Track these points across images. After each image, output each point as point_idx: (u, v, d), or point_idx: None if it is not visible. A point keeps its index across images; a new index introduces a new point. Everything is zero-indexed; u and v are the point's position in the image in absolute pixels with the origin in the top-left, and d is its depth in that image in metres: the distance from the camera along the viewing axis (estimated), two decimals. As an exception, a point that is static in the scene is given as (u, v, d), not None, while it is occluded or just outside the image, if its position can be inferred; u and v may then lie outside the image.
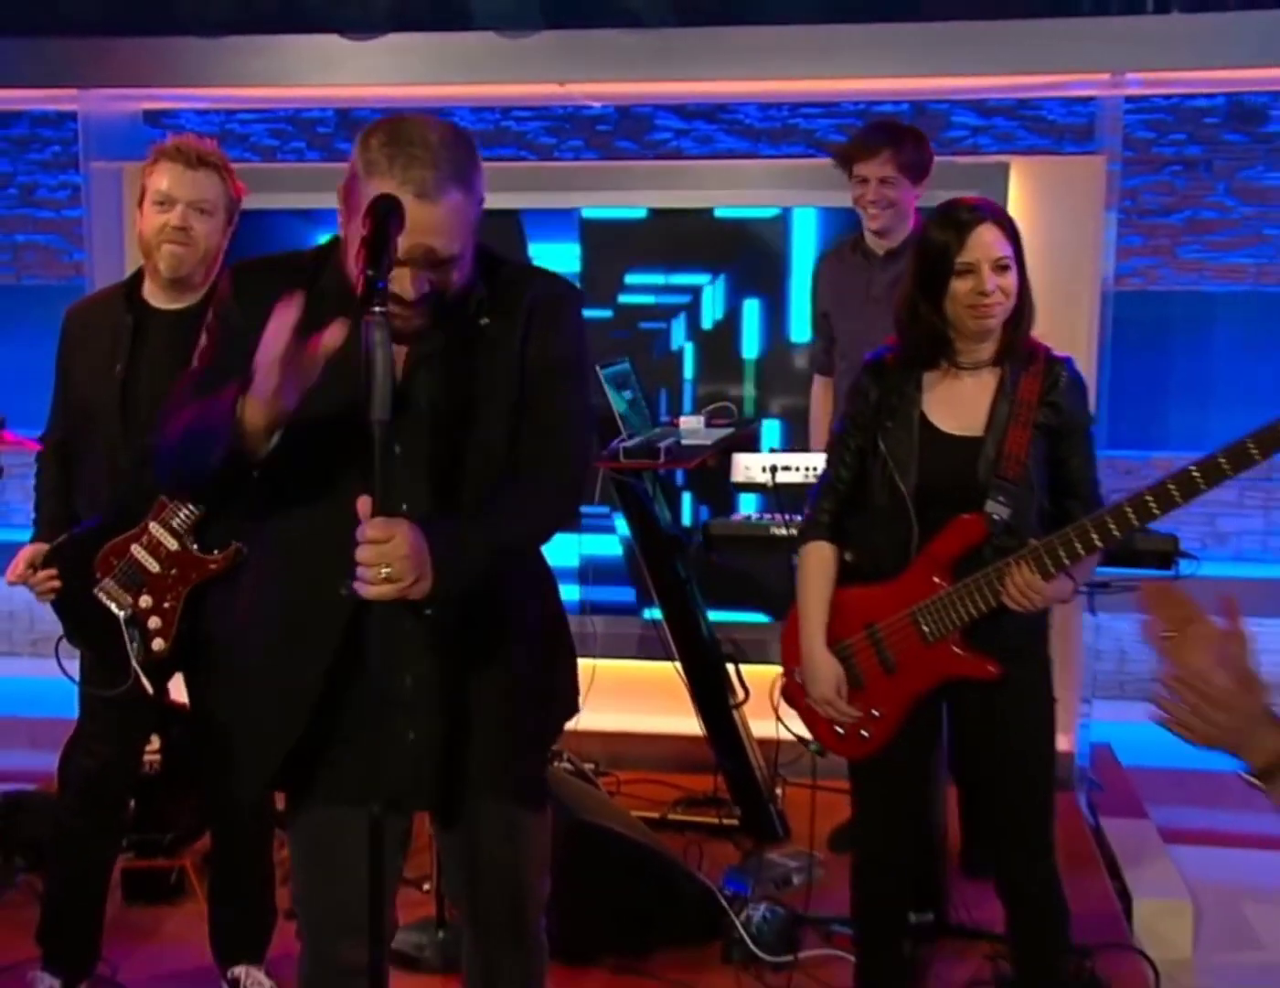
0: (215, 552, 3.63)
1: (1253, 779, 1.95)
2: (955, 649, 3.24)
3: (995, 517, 3.16)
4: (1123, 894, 4.62)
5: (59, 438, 3.82)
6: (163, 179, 3.60)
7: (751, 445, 5.15)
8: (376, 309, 2.26)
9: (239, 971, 3.96)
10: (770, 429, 5.90)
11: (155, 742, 4.40)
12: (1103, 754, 5.85)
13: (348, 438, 2.36)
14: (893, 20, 5.25)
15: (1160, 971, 4.07)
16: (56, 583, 3.70)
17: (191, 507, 3.58)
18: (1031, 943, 3.49)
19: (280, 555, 2.70)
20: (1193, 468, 3.02)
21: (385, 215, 2.36)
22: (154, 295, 3.71)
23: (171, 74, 5.54)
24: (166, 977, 4.17)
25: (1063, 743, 4.96)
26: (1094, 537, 3.10)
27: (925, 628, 3.22)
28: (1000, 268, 3.16)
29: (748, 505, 5.61)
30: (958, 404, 3.25)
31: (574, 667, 2.94)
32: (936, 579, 3.21)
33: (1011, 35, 5.22)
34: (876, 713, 3.32)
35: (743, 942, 4.15)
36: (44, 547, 3.73)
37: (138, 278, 3.74)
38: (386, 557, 2.27)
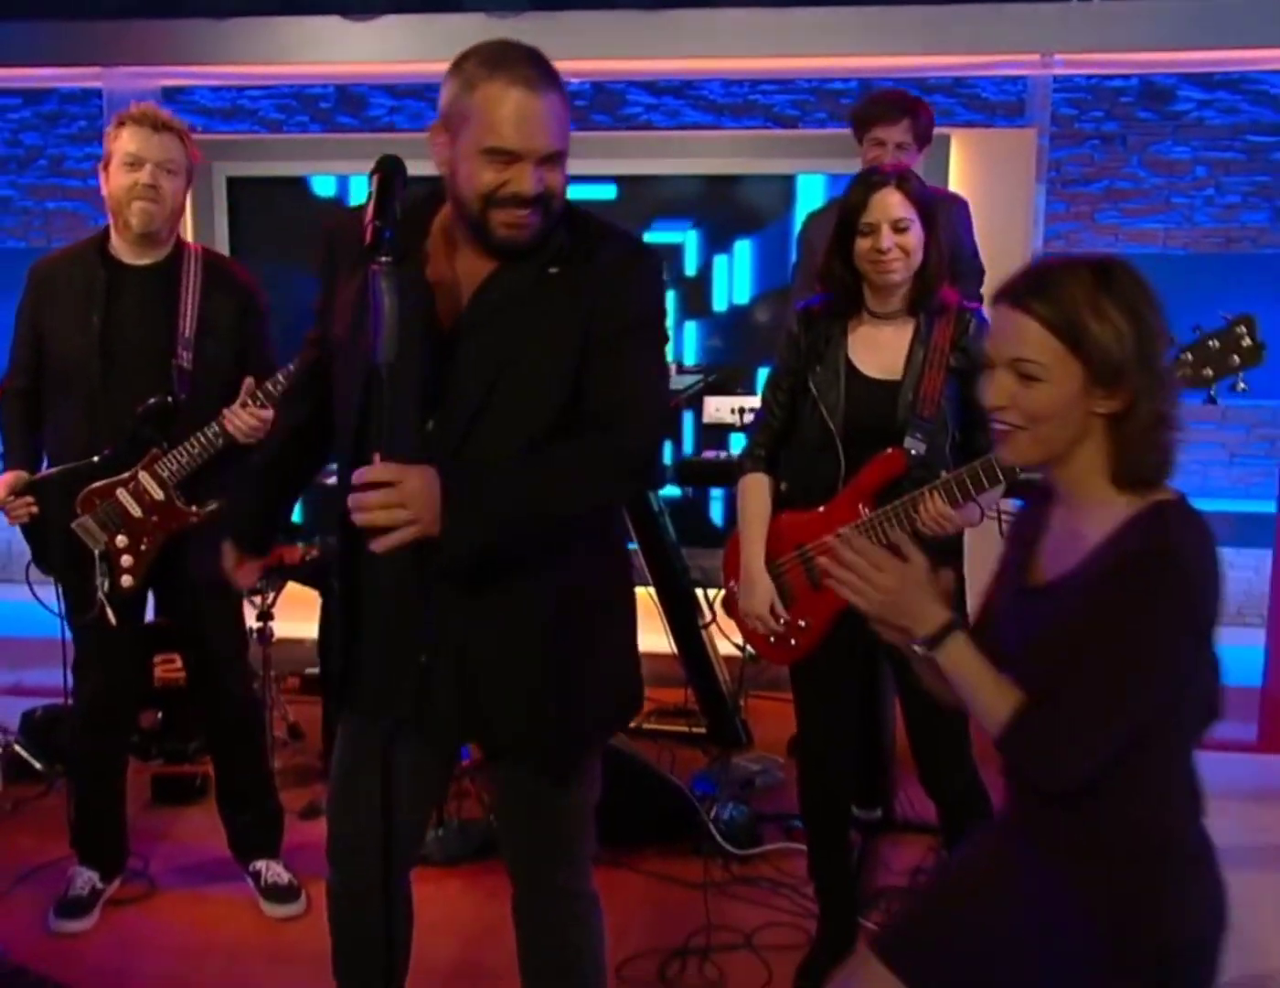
0: (195, 507, 3.61)
1: (920, 649, 1.99)
2: None
3: (913, 452, 3.20)
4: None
5: (22, 384, 3.72)
6: (131, 142, 3.53)
7: (722, 390, 5.13)
8: (383, 259, 2.18)
9: (259, 864, 3.96)
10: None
11: (179, 660, 4.38)
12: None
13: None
14: (842, 5, 5.19)
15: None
16: (34, 509, 3.64)
17: (181, 461, 3.55)
18: (959, 838, 3.49)
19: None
20: None
21: (392, 170, 2.30)
22: (123, 252, 3.64)
23: (187, 53, 5.47)
24: (193, 869, 4.15)
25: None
26: (997, 470, 3.11)
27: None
28: (899, 229, 3.18)
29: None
30: (879, 350, 3.27)
31: (631, 658, 2.66)
32: (861, 507, 3.23)
33: (950, 19, 5.17)
34: (803, 623, 3.34)
35: (712, 837, 4.18)
36: (24, 475, 3.67)
37: (105, 235, 3.65)
38: (394, 499, 2.13)
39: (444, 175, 2.37)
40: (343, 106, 6.81)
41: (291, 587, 4.93)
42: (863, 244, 3.19)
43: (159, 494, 3.60)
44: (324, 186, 5.95)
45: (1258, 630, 6.19)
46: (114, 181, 3.57)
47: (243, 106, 6.87)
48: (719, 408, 4.51)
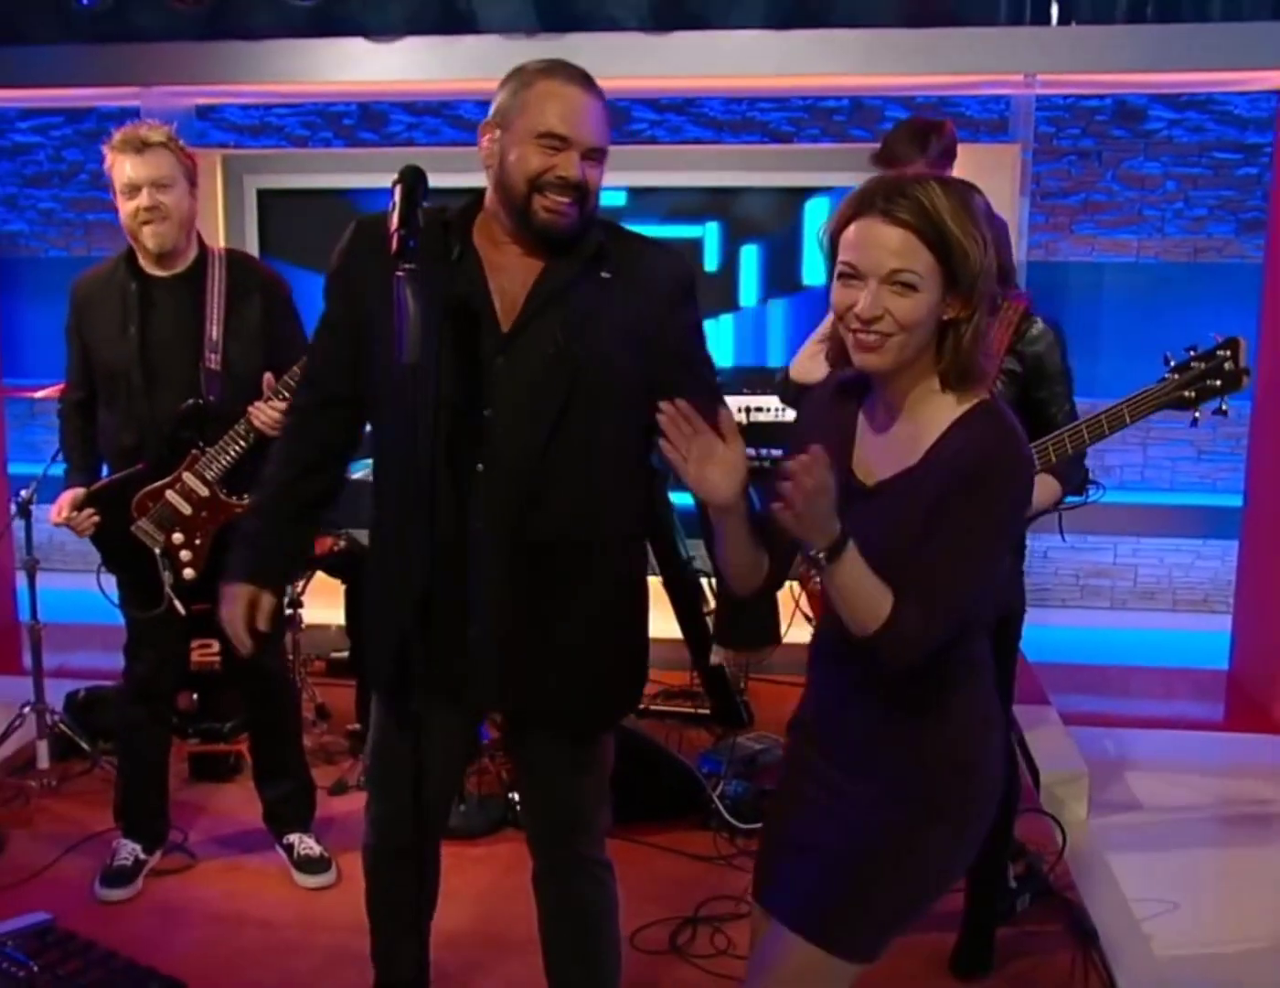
0: (240, 498, 3.61)
1: (819, 556, 1.95)
2: None
3: None
4: (1032, 768, 4.62)
5: (79, 396, 3.73)
6: (123, 170, 3.49)
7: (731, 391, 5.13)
8: (406, 266, 2.21)
9: (292, 837, 3.95)
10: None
11: (215, 645, 4.36)
12: (1012, 651, 5.82)
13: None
14: (835, 28, 5.17)
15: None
16: (96, 519, 3.65)
17: (220, 459, 3.57)
18: None
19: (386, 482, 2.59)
20: (1083, 425, 3.12)
21: (415, 180, 2.32)
22: (149, 266, 3.61)
23: (220, 73, 5.44)
24: (229, 842, 4.15)
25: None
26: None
27: None
28: None
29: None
30: None
31: (646, 636, 2.70)
32: None
33: (939, 41, 5.14)
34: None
35: (718, 812, 4.17)
36: (82, 491, 3.68)
37: (132, 252, 3.61)
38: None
39: (489, 169, 2.44)
40: (364, 123, 6.78)
41: (319, 575, 4.92)
42: None
43: (205, 491, 3.60)
44: (352, 196, 5.93)
45: (1224, 617, 6.20)
46: (121, 210, 3.54)
47: (270, 123, 6.84)
48: (736, 411, 4.53)
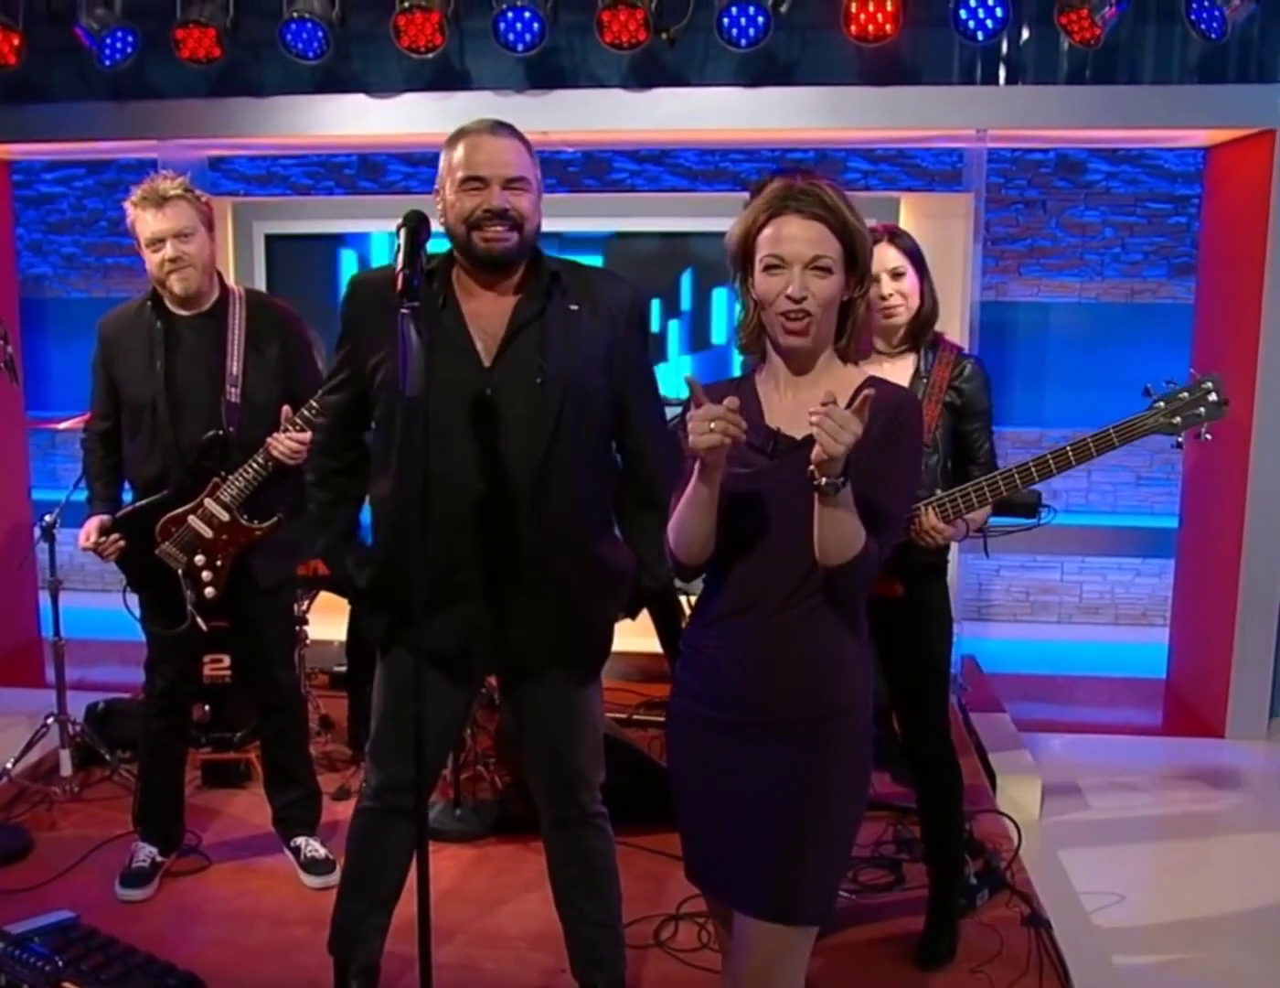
0: (259, 522, 3.61)
1: (834, 483, 2.07)
2: None
3: None
4: (988, 772, 4.62)
5: (104, 427, 3.70)
6: (146, 224, 3.48)
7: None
8: (411, 304, 2.27)
9: (299, 840, 3.92)
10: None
11: (225, 660, 4.34)
12: (969, 663, 5.84)
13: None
14: (802, 86, 5.18)
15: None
16: (122, 544, 3.63)
17: (239, 486, 3.56)
18: (936, 803, 3.47)
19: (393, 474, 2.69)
20: (1068, 447, 3.13)
21: (418, 224, 2.40)
22: (174, 307, 3.60)
23: (231, 127, 5.40)
24: (239, 844, 4.11)
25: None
26: (986, 492, 3.16)
27: None
28: (896, 275, 3.20)
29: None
30: None
31: (624, 562, 2.86)
32: None
33: (897, 98, 5.15)
34: None
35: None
36: (107, 518, 3.66)
37: (157, 293, 3.59)
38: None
39: (444, 226, 2.62)
40: (364, 173, 6.76)
41: (323, 594, 4.88)
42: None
43: (224, 516, 3.58)
44: (349, 241, 5.92)
45: (1161, 630, 6.22)
46: (148, 261, 3.52)
47: (277, 173, 6.81)
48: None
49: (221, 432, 3.54)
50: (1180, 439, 3.09)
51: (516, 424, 2.59)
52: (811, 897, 2.30)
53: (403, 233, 2.36)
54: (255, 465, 3.53)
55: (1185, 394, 3.07)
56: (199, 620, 3.61)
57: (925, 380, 3.23)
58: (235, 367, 3.56)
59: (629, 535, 2.84)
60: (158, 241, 3.46)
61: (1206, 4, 4.63)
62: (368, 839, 2.94)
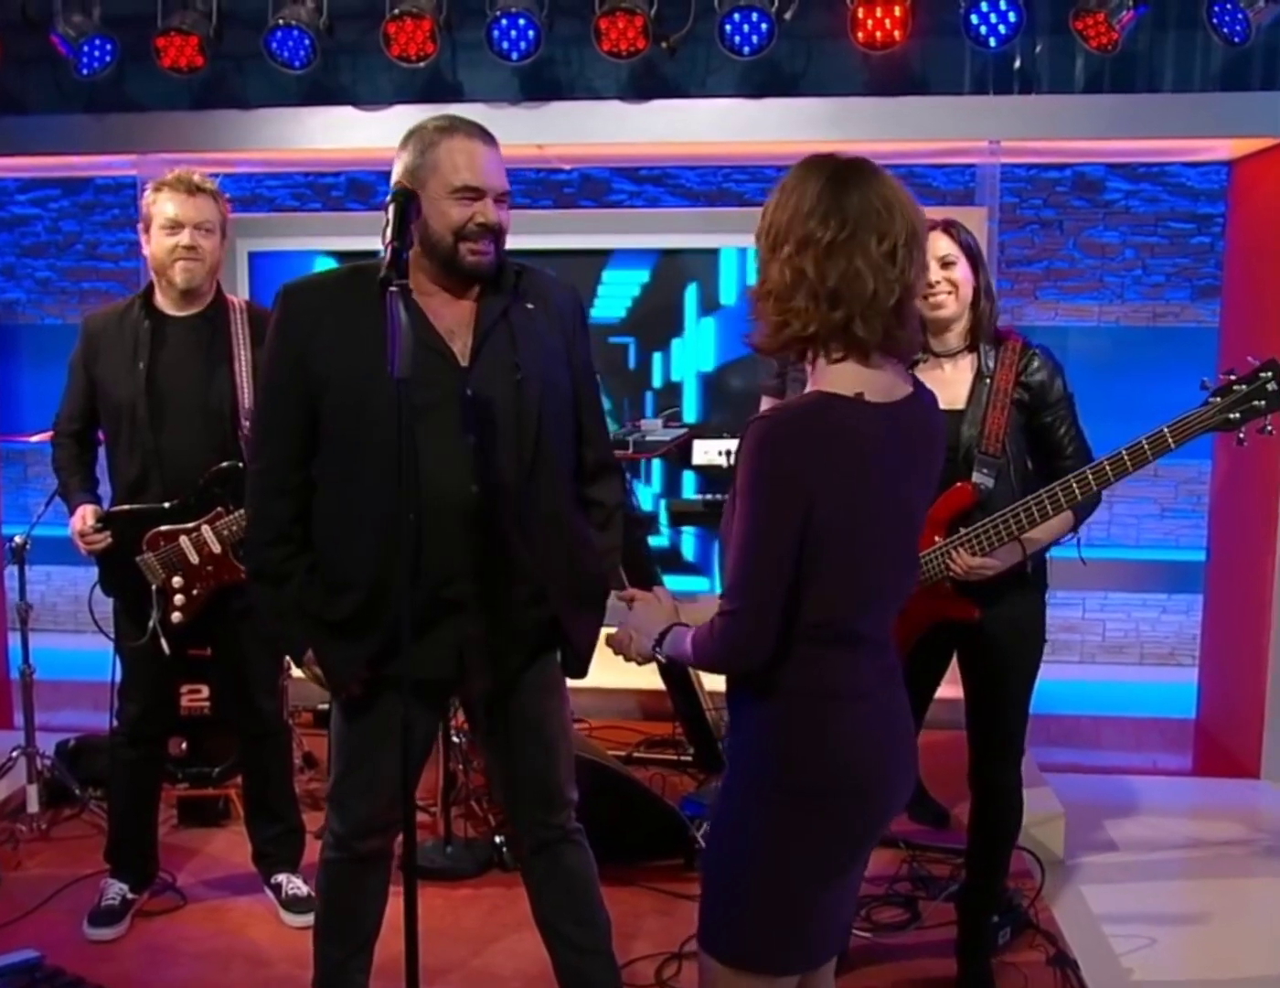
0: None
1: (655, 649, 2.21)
2: (946, 592, 3.20)
3: (981, 487, 3.16)
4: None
5: (74, 428, 3.72)
6: (169, 207, 3.53)
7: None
8: (399, 281, 2.30)
9: (280, 877, 3.89)
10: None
11: (204, 691, 4.31)
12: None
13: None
14: (806, 96, 5.21)
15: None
16: (109, 541, 3.62)
17: (242, 524, 3.51)
18: (990, 838, 3.46)
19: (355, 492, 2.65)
20: (1124, 451, 3.06)
21: (407, 199, 2.45)
22: (166, 305, 3.63)
23: (214, 141, 5.42)
24: (217, 884, 4.08)
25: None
26: (1022, 519, 3.11)
27: (922, 575, 3.15)
28: (945, 264, 3.18)
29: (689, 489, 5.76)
30: (940, 385, 3.18)
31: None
32: (936, 537, 3.16)
33: (906, 109, 5.18)
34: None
35: (702, 853, 4.07)
36: (99, 509, 3.66)
37: (149, 291, 3.64)
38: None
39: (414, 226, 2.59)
40: (352, 194, 6.83)
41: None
42: None
43: (217, 549, 3.59)
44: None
45: (1189, 670, 6.18)
46: (156, 244, 3.56)
47: (262, 195, 6.87)
48: (707, 451, 4.52)
49: (241, 464, 3.54)
50: (1242, 435, 3.04)
51: (501, 423, 2.61)
52: (739, 933, 2.17)
53: (392, 208, 2.39)
54: None
55: (1242, 386, 3.00)
56: (162, 640, 3.59)
57: (988, 382, 3.19)
58: (247, 399, 3.58)
59: (594, 495, 2.88)
60: (175, 226, 3.51)
61: (1229, 6, 4.65)
62: (338, 889, 2.90)
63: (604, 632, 2.55)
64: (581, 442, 2.83)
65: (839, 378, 2.03)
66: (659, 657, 2.24)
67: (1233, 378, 3.03)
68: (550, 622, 2.76)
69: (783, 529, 1.98)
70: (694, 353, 5.95)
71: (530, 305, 2.70)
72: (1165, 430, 3.03)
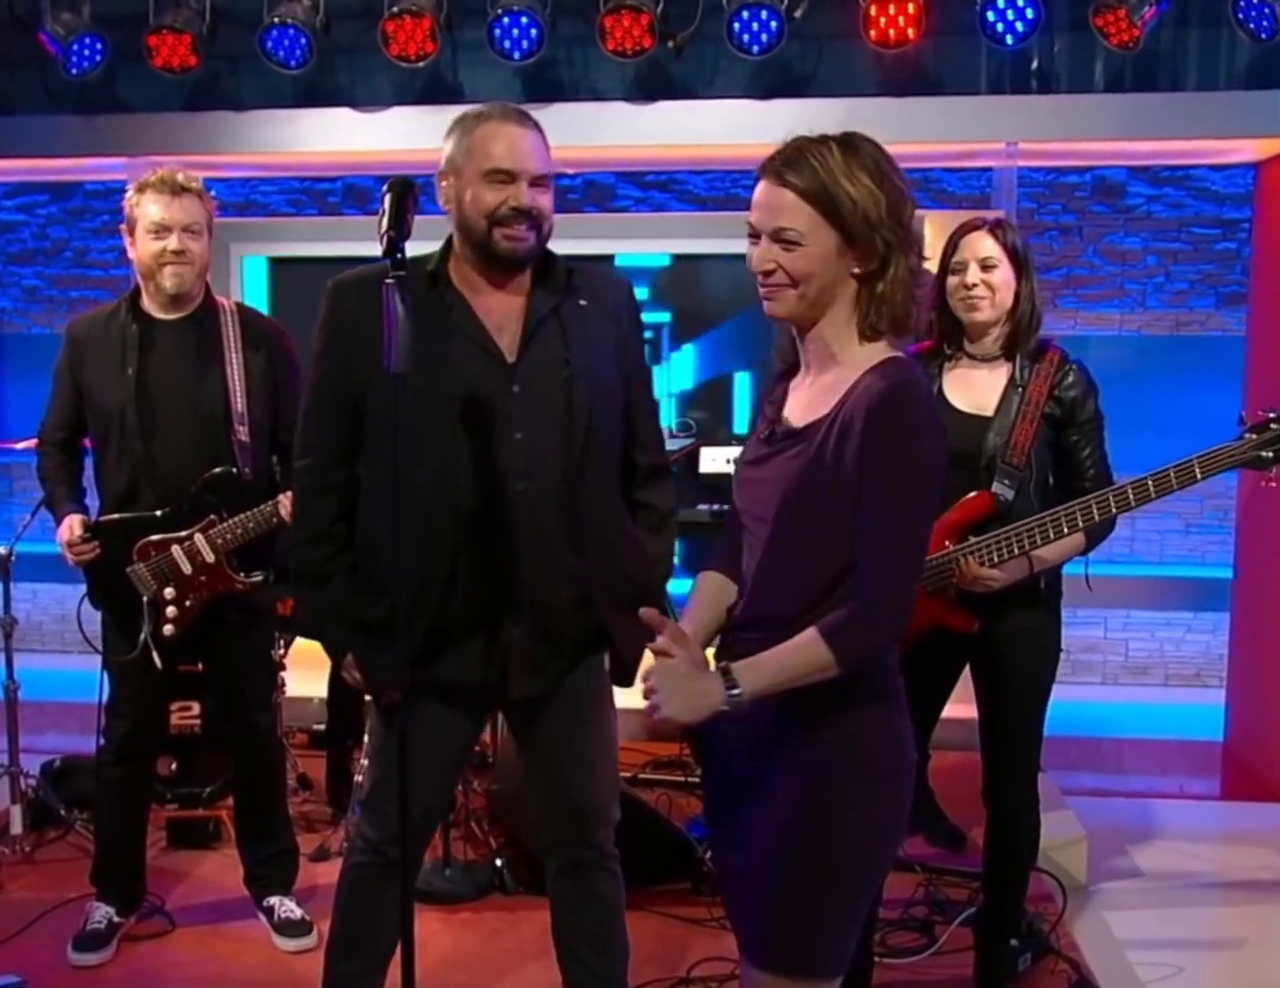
0: (243, 575, 3.60)
1: (735, 703, 2.05)
2: (948, 599, 3.17)
3: (1001, 498, 3.14)
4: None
5: (60, 436, 3.71)
6: (154, 209, 3.50)
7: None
8: (394, 274, 2.29)
9: (273, 900, 3.85)
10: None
11: (195, 708, 4.30)
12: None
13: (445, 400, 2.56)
14: (817, 97, 5.21)
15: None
16: (97, 552, 3.60)
17: (236, 532, 3.55)
18: (1005, 859, 3.43)
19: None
20: (1149, 478, 3.04)
21: (404, 190, 2.43)
22: (154, 308, 3.61)
23: (206, 143, 5.45)
24: (208, 907, 4.04)
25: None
26: (1036, 535, 3.09)
27: (927, 580, 3.12)
28: (986, 266, 3.15)
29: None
30: (972, 388, 3.23)
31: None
32: (947, 542, 3.15)
33: (920, 109, 5.19)
34: None
35: (710, 876, 4.03)
36: (87, 519, 3.63)
37: (135, 294, 3.62)
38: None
39: (450, 213, 2.65)
40: (348, 199, 6.82)
41: (298, 645, 4.80)
42: (952, 281, 3.17)
43: (210, 558, 3.57)
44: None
45: (1217, 691, 6.15)
46: (142, 248, 3.54)
47: (256, 200, 6.87)
48: (715, 458, 4.51)
49: (235, 470, 3.54)
50: (1272, 474, 3.01)
51: (549, 420, 2.63)
52: (815, 946, 2.19)
53: (388, 197, 2.38)
54: (260, 517, 3.53)
55: (1277, 424, 2.98)
56: (154, 653, 3.56)
57: (1020, 392, 3.17)
58: (240, 403, 3.57)
59: (647, 498, 2.88)
60: (163, 230, 3.49)
61: (1255, 1, 4.65)
62: (361, 896, 2.87)
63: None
64: (633, 444, 2.83)
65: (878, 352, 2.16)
66: (740, 703, 2.07)
67: (1271, 416, 3.01)
68: (597, 627, 2.74)
69: (935, 494, 2.15)
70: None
71: (583, 302, 2.71)
72: (1195, 462, 3.00)
